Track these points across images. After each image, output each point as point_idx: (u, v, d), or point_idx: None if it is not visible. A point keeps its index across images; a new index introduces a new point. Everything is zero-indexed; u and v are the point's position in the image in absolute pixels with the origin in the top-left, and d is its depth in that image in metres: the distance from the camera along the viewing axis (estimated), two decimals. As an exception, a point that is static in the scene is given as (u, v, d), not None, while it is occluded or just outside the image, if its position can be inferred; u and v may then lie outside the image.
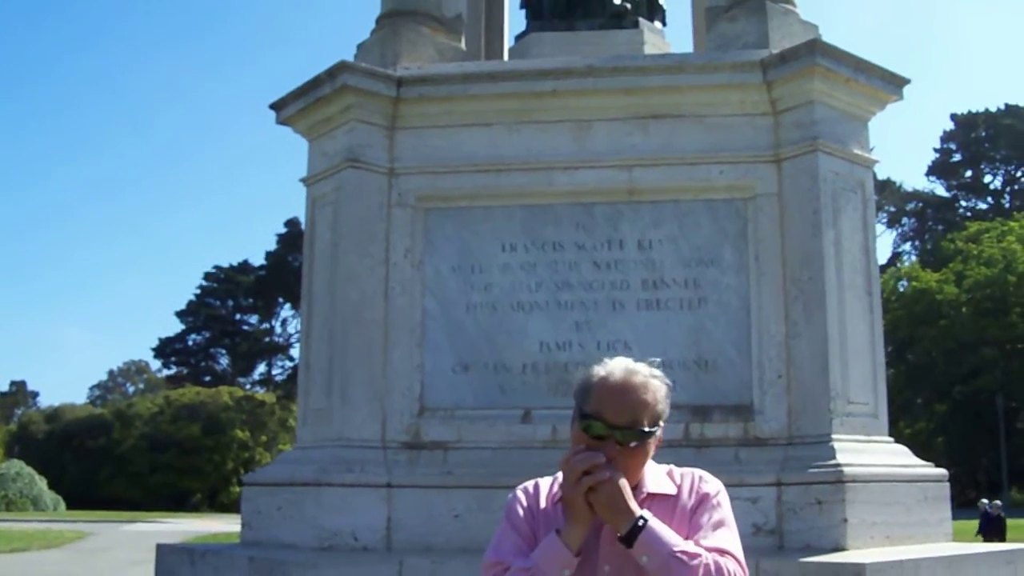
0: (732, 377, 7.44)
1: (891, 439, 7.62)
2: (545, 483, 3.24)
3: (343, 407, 7.48)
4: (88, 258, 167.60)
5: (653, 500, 3.08)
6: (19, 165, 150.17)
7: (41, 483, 64.32)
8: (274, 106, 8.55)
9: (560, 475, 3.16)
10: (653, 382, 3.07)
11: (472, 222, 7.87)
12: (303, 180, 8.36)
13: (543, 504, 3.17)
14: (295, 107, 8.30)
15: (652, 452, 3.10)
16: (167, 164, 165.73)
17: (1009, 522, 28.19)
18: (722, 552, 2.96)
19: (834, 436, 7.02)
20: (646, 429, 3.02)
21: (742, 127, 7.72)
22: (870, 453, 7.12)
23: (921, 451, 7.67)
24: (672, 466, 3.23)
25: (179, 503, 72.27)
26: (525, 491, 3.23)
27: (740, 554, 3.02)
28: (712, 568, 2.89)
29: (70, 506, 64.17)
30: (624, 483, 2.94)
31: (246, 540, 7.90)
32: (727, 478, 6.66)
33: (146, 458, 75.34)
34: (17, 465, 65.09)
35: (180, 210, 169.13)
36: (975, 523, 23.30)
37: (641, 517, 2.93)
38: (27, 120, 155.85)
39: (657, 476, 3.17)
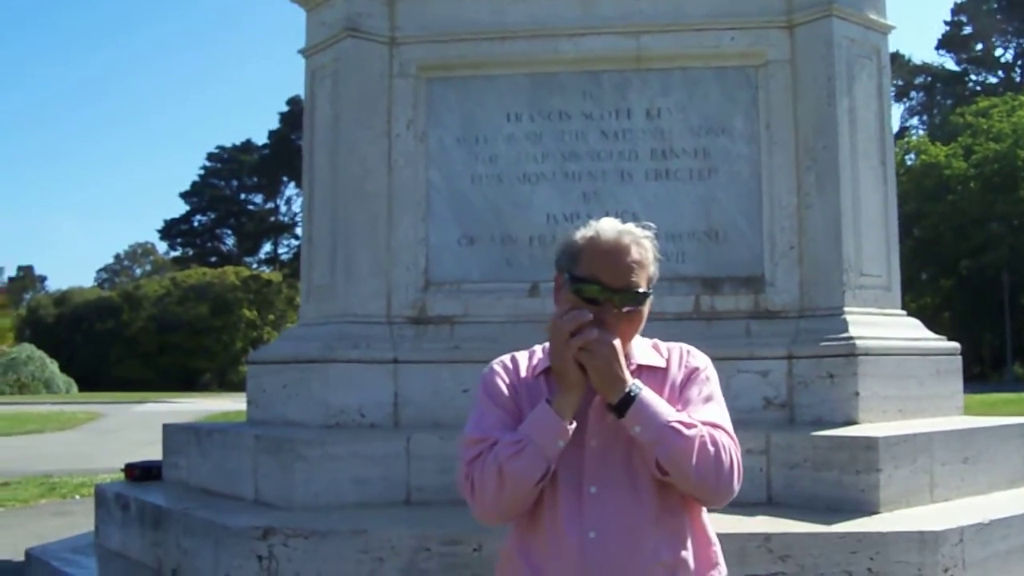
0: (743, 249, 7.30)
1: (904, 312, 7.51)
2: (522, 356, 3.08)
3: (347, 282, 7.36)
4: (93, 146, 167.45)
5: (642, 372, 2.92)
6: (22, 58, 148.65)
7: (52, 366, 64.92)
8: (270, -25, 8.28)
9: (538, 348, 3.04)
10: (645, 242, 2.90)
11: (476, 92, 7.65)
12: (301, 51, 8.13)
13: (524, 375, 3.00)
14: (292, -26, 8.04)
15: (645, 318, 2.93)
16: (169, 50, 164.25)
17: (1012, 396, 28.41)
18: (714, 426, 2.81)
19: (846, 308, 6.91)
20: (643, 291, 2.86)
21: (754, -9, 7.46)
22: (883, 326, 7.01)
23: (927, 326, 7.57)
24: (656, 340, 3.08)
25: (189, 383, 72.99)
26: (503, 365, 3.05)
27: (731, 428, 2.87)
28: (708, 441, 2.74)
29: (82, 388, 64.79)
30: (619, 346, 2.77)
31: (252, 419, 7.87)
32: (738, 351, 6.70)
33: (155, 339, 76.00)
34: (28, 349, 65.68)
35: (183, 94, 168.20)
36: (980, 397, 23.43)
37: (635, 384, 2.77)
38: (26, 10, 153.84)
39: (644, 348, 3.02)
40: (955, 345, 7.46)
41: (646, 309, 2.90)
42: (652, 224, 2.95)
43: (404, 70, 7.63)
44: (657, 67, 7.50)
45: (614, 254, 2.83)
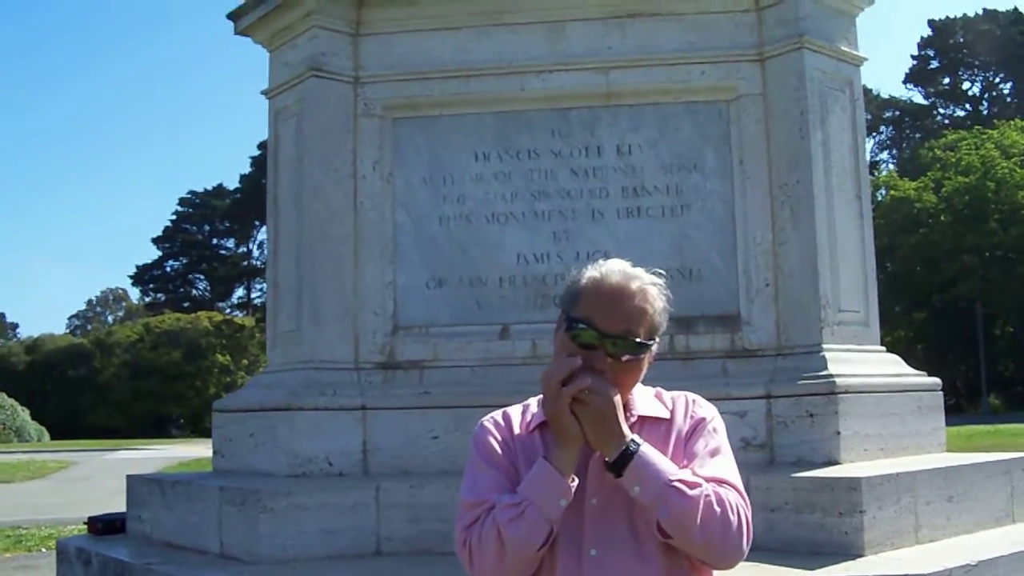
0: (717, 286, 7.17)
1: (883, 348, 7.39)
2: (515, 411, 2.83)
3: (313, 328, 7.19)
4: (63, 191, 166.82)
5: (644, 424, 2.69)
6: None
7: (24, 414, 64.11)
8: (232, 16, 8.17)
9: (533, 401, 2.81)
10: (652, 290, 2.66)
11: (443, 131, 7.53)
12: (265, 92, 7.99)
13: (518, 431, 2.77)
14: (254, 15, 7.93)
15: (645, 370, 2.69)
16: (138, 96, 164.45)
17: (989, 428, 28.39)
18: (721, 482, 2.56)
19: (825, 346, 6.78)
20: (641, 340, 2.61)
21: (723, 25, 7.38)
22: (862, 363, 6.88)
23: (902, 359, 7.45)
24: (660, 388, 2.84)
25: (162, 430, 72.29)
26: (493, 422, 2.80)
27: (740, 484, 2.63)
28: (713, 500, 2.49)
29: (54, 436, 64.06)
30: (616, 398, 2.53)
31: (218, 468, 7.66)
32: (714, 392, 6.48)
33: (128, 386, 75.23)
34: (-1, 397, 64.86)
35: (154, 139, 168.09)
36: (957, 429, 23.40)
37: (632, 440, 2.52)
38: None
39: (646, 398, 2.78)
40: (936, 381, 7.33)
41: (647, 360, 2.68)
42: (663, 271, 2.74)
43: (369, 110, 7.50)
44: (627, 103, 7.40)
45: (614, 298, 2.61)
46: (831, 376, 6.51)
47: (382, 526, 6.29)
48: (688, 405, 2.79)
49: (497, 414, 2.84)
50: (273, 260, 7.79)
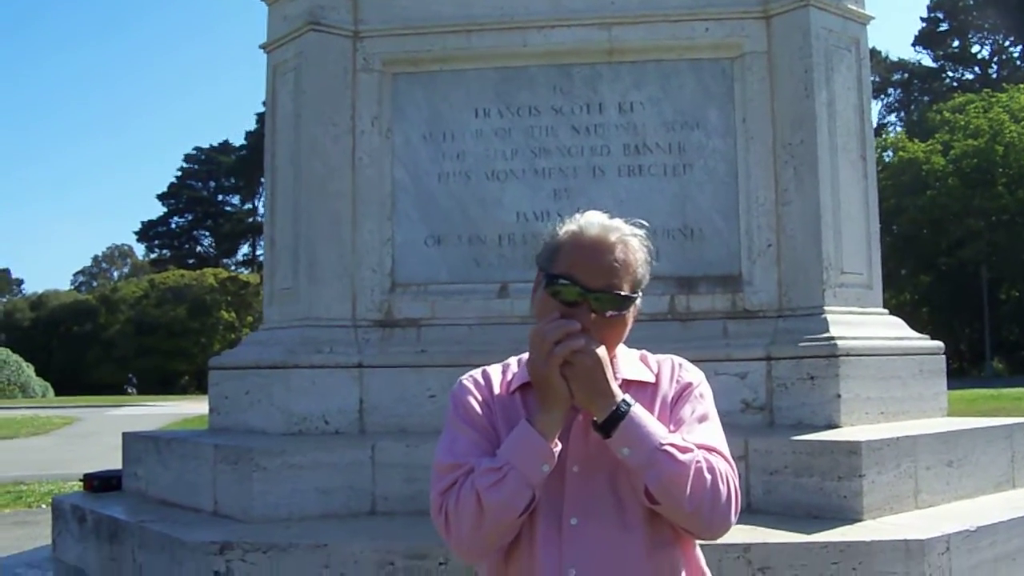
0: (719, 246, 7.09)
1: (885, 311, 7.30)
2: (495, 370, 2.73)
3: (310, 285, 7.12)
4: (70, 149, 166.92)
5: (629, 387, 2.56)
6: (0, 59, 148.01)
7: (29, 370, 64.34)
8: (231, -33, 8.02)
9: (513, 361, 2.71)
10: (633, 241, 2.54)
11: (443, 87, 7.42)
12: (263, 47, 7.88)
13: (498, 391, 2.65)
14: (252, -34, 7.78)
15: (630, 325, 2.59)
16: (147, 56, 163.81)
17: (992, 392, 28.32)
18: (711, 450, 2.47)
19: (827, 308, 6.70)
20: (625, 294, 2.50)
21: (729, -20, 7.24)
22: (864, 325, 6.81)
23: (906, 322, 7.38)
24: (645, 351, 2.74)
25: (167, 386, 72.47)
26: (474, 381, 2.69)
27: (728, 453, 2.52)
28: (704, 467, 2.40)
29: (58, 392, 64.28)
30: (605, 356, 2.42)
31: (214, 426, 7.61)
32: (714, 353, 6.47)
33: (132, 342, 75.46)
34: (3, 352, 64.97)
35: (161, 96, 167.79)
36: (960, 393, 23.32)
37: (624, 400, 2.42)
38: (5, 14, 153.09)
39: (631, 361, 2.67)
40: (938, 344, 7.26)
41: (631, 316, 2.57)
42: (644, 222, 2.61)
43: (368, 65, 7.39)
44: (629, 60, 7.28)
45: (595, 251, 2.49)
46: (832, 338, 6.43)
47: (378, 485, 6.23)
48: (674, 369, 2.69)
49: (477, 372, 2.74)
50: (270, 217, 7.70)
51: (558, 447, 2.45)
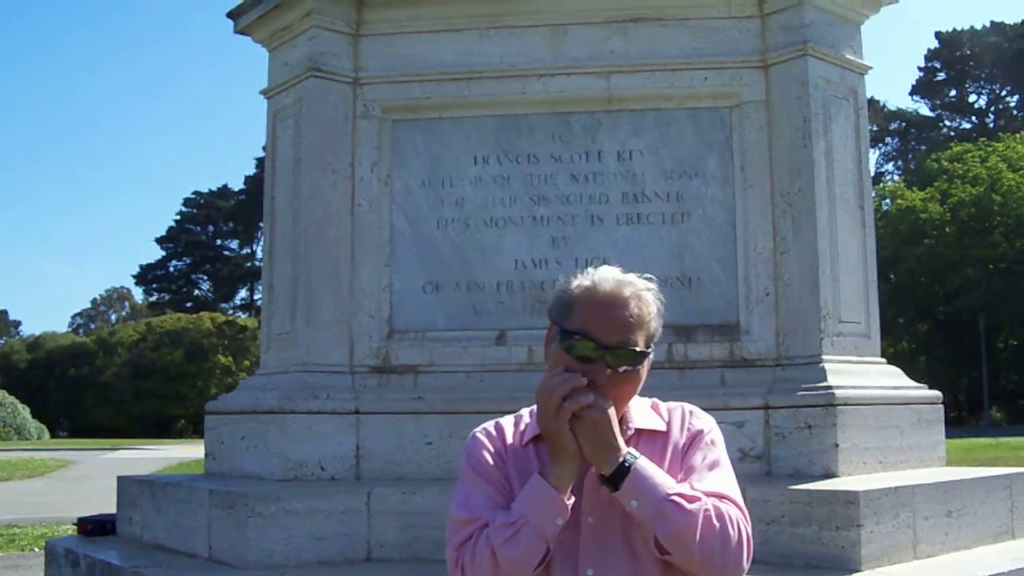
0: (717, 295, 7.09)
1: (883, 360, 7.30)
2: (507, 422, 2.75)
3: (308, 330, 7.11)
4: (69, 190, 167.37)
5: (641, 437, 2.61)
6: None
7: (24, 412, 64.07)
8: (231, 14, 8.10)
9: (525, 412, 2.71)
10: (647, 295, 2.58)
11: (442, 134, 7.45)
12: (263, 92, 7.92)
13: (510, 442, 2.68)
14: (253, 14, 7.85)
15: (644, 379, 2.61)
16: (144, 96, 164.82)
17: (991, 441, 28.23)
18: (721, 497, 2.48)
19: (824, 357, 6.70)
20: (641, 349, 2.53)
21: (727, 30, 7.29)
22: (862, 375, 6.80)
23: (904, 371, 7.39)
24: (656, 400, 2.76)
25: (163, 430, 72.20)
26: (487, 433, 2.72)
27: (740, 499, 2.54)
28: (712, 515, 2.41)
29: (54, 435, 64.01)
30: (612, 412, 2.46)
31: (210, 471, 7.59)
32: (712, 402, 6.42)
33: (129, 385, 75.20)
34: (0, 394, 64.74)
35: (160, 139, 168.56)
36: (958, 442, 23.26)
37: (629, 453, 2.46)
38: (5, 53, 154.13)
39: (643, 410, 2.69)
40: (936, 394, 7.25)
41: (645, 370, 2.59)
42: (654, 276, 2.65)
43: (368, 111, 7.42)
44: (629, 108, 7.32)
45: (610, 307, 2.52)
46: (830, 387, 6.43)
47: (373, 532, 6.21)
48: (685, 417, 2.71)
49: (489, 425, 2.75)
50: (268, 261, 7.71)
51: (572, 500, 2.46)
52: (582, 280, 2.60)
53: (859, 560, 5.53)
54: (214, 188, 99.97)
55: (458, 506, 2.59)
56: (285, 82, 7.63)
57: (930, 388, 7.30)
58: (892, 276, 54.54)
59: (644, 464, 2.46)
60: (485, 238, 7.27)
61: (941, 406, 7.26)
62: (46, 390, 76.16)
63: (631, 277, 2.60)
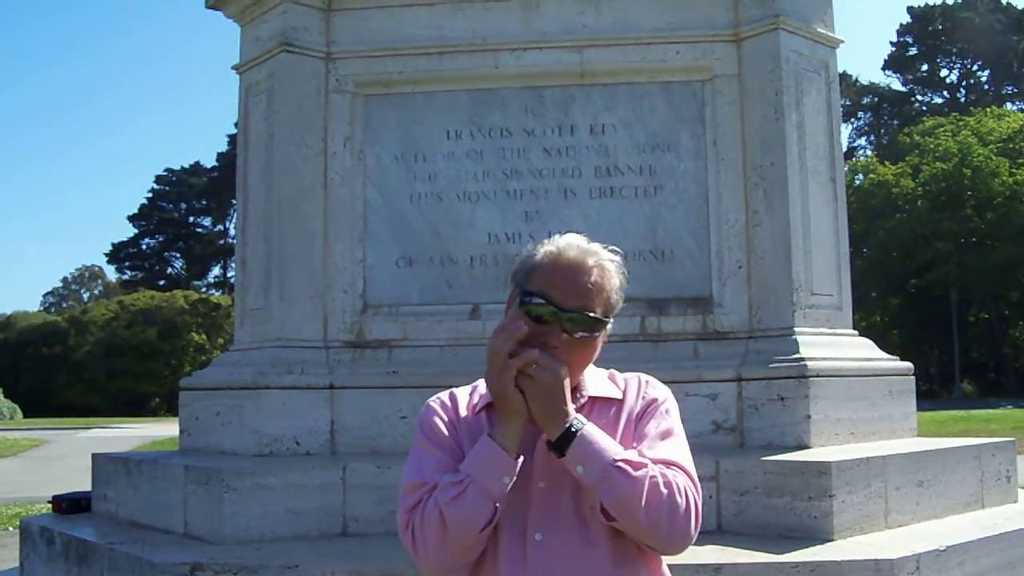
0: (690, 268, 7.12)
1: (855, 332, 7.34)
2: (462, 392, 2.76)
3: (281, 305, 7.10)
4: (40, 170, 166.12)
5: (595, 405, 2.63)
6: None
7: (-5, 392, 63.75)
8: (202, -12, 8.02)
9: (481, 383, 2.70)
10: (610, 266, 2.59)
11: (415, 108, 7.42)
12: (235, 68, 7.87)
13: (464, 413, 2.68)
14: (225, -12, 7.78)
15: (599, 349, 2.61)
16: (116, 76, 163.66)
17: (961, 413, 28.48)
18: (669, 464, 2.48)
19: (797, 329, 6.74)
20: (597, 317, 2.53)
21: (700, 5, 7.30)
22: (834, 347, 6.85)
23: (876, 344, 7.43)
24: (613, 371, 2.77)
25: (137, 408, 71.93)
26: (440, 402, 2.74)
27: (691, 467, 2.54)
28: (660, 482, 2.41)
29: (27, 415, 63.69)
30: (564, 375, 2.45)
31: (185, 447, 7.57)
32: (685, 374, 6.49)
33: (102, 364, 74.83)
34: (-30, 375, 64.39)
35: (131, 117, 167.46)
36: (930, 415, 23.45)
37: (576, 419, 2.46)
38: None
39: (598, 379, 2.71)
40: (908, 365, 7.31)
41: (600, 340, 2.60)
42: (619, 249, 2.66)
43: (341, 86, 7.39)
44: (601, 82, 7.31)
45: (572, 272, 2.54)
46: (802, 359, 6.47)
47: (349, 506, 6.21)
48: (641, 386, 2.72)
49: (444, 394, 2.77)
50: (241, 237, 7.68)
51: (520, 460, 2.47)
52: (548, 246, 2.62)
53: (831, 530, 5.58)
54: (186, 165, 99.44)
55: (410, 472, 2.60)
56: (257, 57, 7.58)
57: (902, 360, 7.36)
58: (864, 250, 54.82)
59: (591, 430, 2.46)
60: (458, 212, 7.27)
61: (912, 378, 7.31)
62: (18, 369, 75.71)
63: (596, 247, 2.62)
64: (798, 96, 7.05)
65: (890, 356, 7.33)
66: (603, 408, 2.63)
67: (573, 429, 2.44)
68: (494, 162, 7.27)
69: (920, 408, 7.70)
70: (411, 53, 7.40)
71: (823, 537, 5.55)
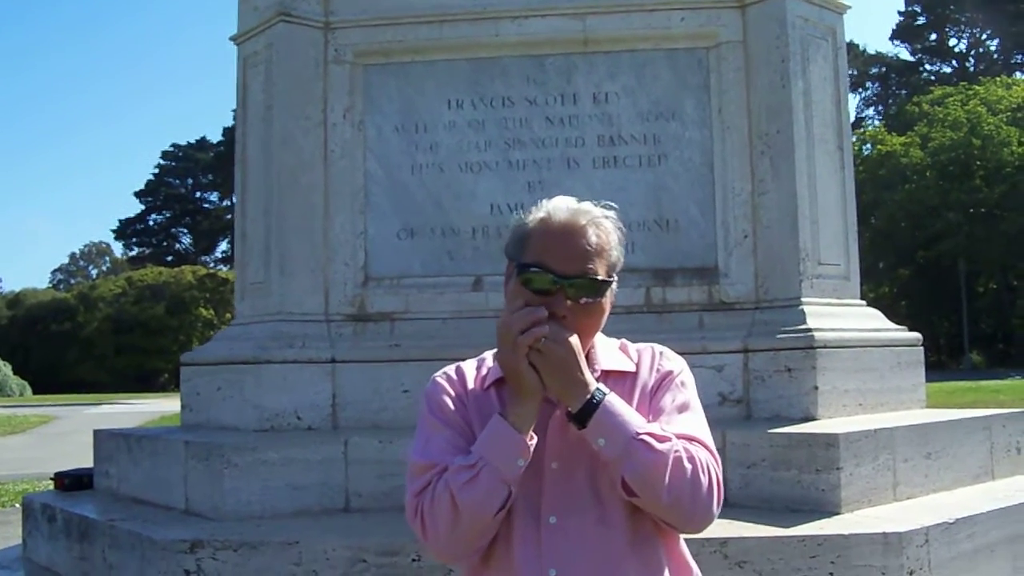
0: (695, 238, 7.03)
1: (863, 302, 7.25)
2: (468, 366, 2.63)
3: (282, 279, 7.03)
4: (48, 148, 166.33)
5: (608, 378, 2.49)
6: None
7: (6, 369, 63.89)
8: (200, -43, 7.90)
9: (488, 355, 2.58)
10: (605, 223, 2.46)
11: (415, 78, 7.33)
12: (233, 39, 7.77)
13: (472, 387, 2.56)
14: (222, -43, 7.67)
15: (607, 311, 2.50)
16: (124, 55, 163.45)
17: (970, 384, 28.39)
18: (691, 439, 2.37)
19: (804, 299, 6.65)
20: (602, 279, 2.41)
21: (704, -30, 7.17)
22: (842, 317, 6.76)
23: (885, 315, 7.34)
24: (625, 341, 2.65)
25: (145, 384, 72.12)
26: (447, 377, 2.60)
27: (711, 442, 2.44)
28: (683, 457, 2.31)
29: (36, 391, 63.87)
30: (577, 344, 2.34)
31: (186, 423, 7.52)
32: (691, 345, 6.40)
33: (111, 340, 75.02)
34: (-21, 352, 64.53)
35: (139, 93, 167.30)
36: (939, 385, 23.33)
37: (598, 389, 2.34)
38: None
39: (610, 350, 2.59)
40: (916, 336, 7.21)
41: (608, 301, 2.48)
42: (613, 204, 2.53)
43: (340, 56, 7.29)
44: (604, 50, 7.21)
45: (566, 236, 2.40)
46: (809, 330, 6.38)
47: (351, 481, 6.14)
48: (655, 358, 2.60)
49: (450, 368, 2.64)
50: (241, 210, 7.59)
51: (534, 441, 2.36)
52: (537, 212, 2.49)
53: (839, 502, 5.50)
54: (192, 141, 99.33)
55: (417, 453, 2.48)
56: (255, 27, 7.48)
57: (910, 331, 7.26)
58: (873, 221, 54.62)
59: (613, 400, 2.35)
60: (460, 183, 7.18)
61: (921, 348, 7.22)
62: (27, 346, 75.91)
63: (587, 205, 2.49)
64: (804, 63, 6.94)
65: (898, 327, 7.24)
66: (616, 382, 2.50)
67: (595, 400, 2.33)
68: (496, 132, 7.17)
69: (929, 379, 7.61)
70: (411, 22, 7.29)
71: (830, 510, 5.47)
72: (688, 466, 2.31)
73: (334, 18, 7.32)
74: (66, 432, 27.06)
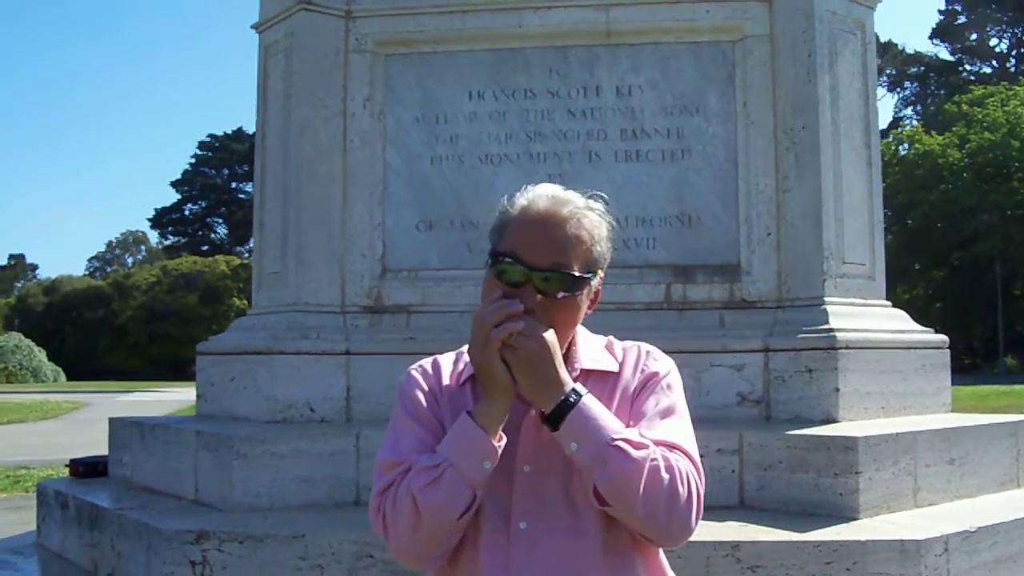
0: (718, 234, 6.91)
1: (888, 303, 7.09)
2: (446, 359, 2.52)
3: (299, 269, 6.96)
4: (86, 134, 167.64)
5: (588, 379, 2.34)
6: (18, 46, 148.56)
7: (40, 355, 64.50)
8: (223, -55, 7.84)
9: (465, 350, 2.42)
10: (589, 215, 2.32)
11: (436, 69, 7.24)
12: (255, 27, 7.71)
13: (447, 382, 2.44)
14: (244, -55, 7.60)
15: (585, 310, 2.35)
16: (162, 41, 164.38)
17: (1004, 388, 28.04)
18: (671, 447, 2.22)
19: (827, 299, 6.51)
20: (576, 274, 2.26)
21: (730, -39, 7.04)
22: (865, 317, 6.61)
23: (918, 317, 7.18)
24: (612, 338, 2.50)
25: (177, 372, 72.48)
26: (422, 371, 2.49)
27: (695, 451, 2.28)
28: (661, 466, 2.16)
29: (70, 377, 64.38)
30: (554, 340, 2.20)
31: (201, 413, 7.47)
32: (711, 344, 6.30)
33: (144, 328, 75.55)
34: (16, 337, 65.14)
35: (176, 82, 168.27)
36: (972, 389, 23.05)
37: (573, 390, 2.19)
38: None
39: (593, 349, 2.44)
40: (942, 338, 7.05)
41: (585, 298, 2.33)
42: (603, 195, 2.38)
43: (360, 45, 7.22)
44: (628, 42, 7.10)
45: (543, 227, 2.27)
46: (832, 330, 6.25)
47: (362, 475, 6.04)
48: (640, 357, 2.44)
49: (427, 362, 2.52)
50: (259, 200, 7.53)
51: (503, 443, 2.23)
52: (519, 199, 2.36)
53: (857, 507, 5.37)
54: (229, 131, 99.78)
55: (386, 449, 2.36)
56: (276, 16, 7.41)
57: (944, 335, 7.09)
58: (908, 221, 54.17)
59: (590, 402, 2.21)
60: (480, 175, 7.09)
61: (947, 351, 7.05)
62: (62, 333, 76.56)
63: (572, 195, 2.35)
64: (832, 58, 6.80)
65: (924, 328, 7.09)
66: (596, 383, 2.35)
67: (570, 401, 2.18)
68: (517, 124, 7.08)
69: (963, 382, 7.49)
70: (432, 11, 7.21)
71: (848, 515, 5.35)
72: (665, 476, 2.17)
73: (355, 7, 7.24)
74: (96, 419, 27.14)
